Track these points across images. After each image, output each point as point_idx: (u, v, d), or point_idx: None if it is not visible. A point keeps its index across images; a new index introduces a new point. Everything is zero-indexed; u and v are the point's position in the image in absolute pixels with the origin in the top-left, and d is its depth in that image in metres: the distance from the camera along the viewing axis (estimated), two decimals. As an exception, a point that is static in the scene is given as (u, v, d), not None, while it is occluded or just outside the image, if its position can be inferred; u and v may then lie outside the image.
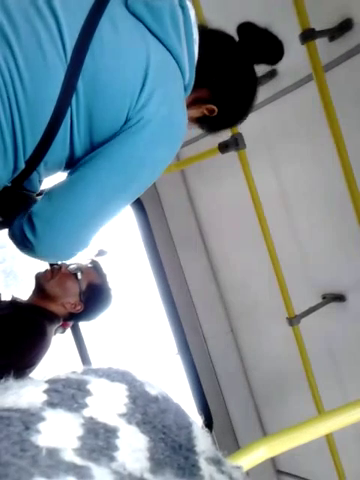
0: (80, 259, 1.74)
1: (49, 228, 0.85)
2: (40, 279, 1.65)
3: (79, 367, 0.30)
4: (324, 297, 2.00)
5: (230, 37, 1.03)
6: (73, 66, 0.80)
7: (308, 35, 1.42)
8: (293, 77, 1.75)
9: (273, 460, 2.65)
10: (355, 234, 1.52)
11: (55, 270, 1.67)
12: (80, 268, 1.68)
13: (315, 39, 1.44)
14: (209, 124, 1.13)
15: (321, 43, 1.48)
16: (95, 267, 1.73)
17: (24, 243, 0.86)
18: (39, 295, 1.63)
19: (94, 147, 0.86)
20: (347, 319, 1.96)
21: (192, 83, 0.96)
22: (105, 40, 0.82)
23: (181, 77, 0.93)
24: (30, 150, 0.83)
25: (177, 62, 0.91)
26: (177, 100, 0.92)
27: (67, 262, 1.71)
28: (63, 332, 1.74)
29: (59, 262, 1.68)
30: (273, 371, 2.51)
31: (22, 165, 0.84)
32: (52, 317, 1.60)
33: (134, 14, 0.87)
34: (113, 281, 1.75)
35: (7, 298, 1.66)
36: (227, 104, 1.06)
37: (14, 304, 1.61)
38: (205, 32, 0.98)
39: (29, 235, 0.84)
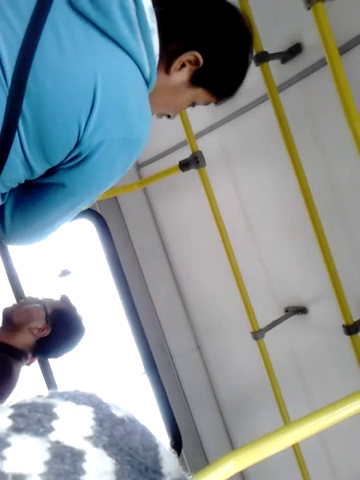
0: (50, 295, 1.74)
1: (14, 228, 0.95)
2: (7, 310, 1.65)
3: (45, 391, 0.30)
4: (287, 310, 2.04)
5: None
6: (15, 90, 0.75)
7: (262, 57, 1.49)
8: (249, 97, 1.80)
9: (243, 476, 2.64)
10: (315, 247, 1.56)
11: (21, 301, 1.71)
12: (47, 299, 1.69)
13: (268, 61, 1.50)
14: (210, 81, 0.95)
15: (274, 65, 1.54)
16: (64, 300, 1.72)
17: None
18: (5, 327, 1.60)
19: (53, 166, 0.84)
20: (309, 330, 2.01)
21: (154, 75, 0.87)
22: (48, 60, 0.76)
23: (140, 75, 0.84)
24: None
25: (133, 59, 0.82)
26: (136, 112, 0.84)
27: (34, 296, 1.72)
28: (29, 365, 1.69)
29: (26, 295, 1.72)
30: (240, 386, 2.52)
31: None
32: (19, 355, 1.56)
33: (79, 12, 0.79)
34: (84, 314, 1.73)
35: None
36: (208, 43, 0.90)
37: None
38: None
39: None
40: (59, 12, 0.78)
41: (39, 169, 0.84)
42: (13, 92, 0.75)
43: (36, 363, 2.10)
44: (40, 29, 0.76)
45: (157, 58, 0.86)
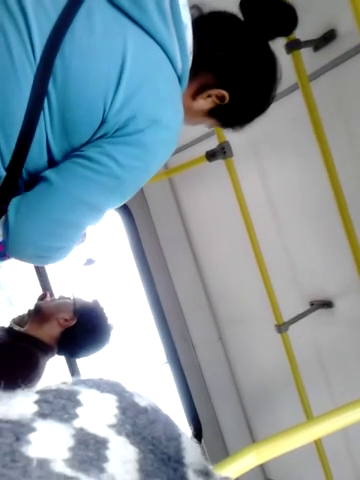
0: (81, 296, 1.80)
1: (19, 222, 0.83)
2: (39, 302, 1.72)
3: (69, 378, 0.30)
4: (312, 304, 2.01)
5: (232, 15, 0.93)
6: (42, 68, 0.76)
7: (293, 45, 1.45)
8: (279, 86, 1.77)
9: (263, 469, 2.64)
10: (342, 241, 1.53)
11: (53, 297, 1.78)
12: (78, 298, 1.75)
13: (300, 49, 1.46)
14: (225, 116, 1.00)
15: (306, 53, 1.50)
16: (94, 301, 1.78)
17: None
18: (35, 319, 1.65)
19: (74, 148, 0.82)
20: (335, 325, 1.98)
21: (187, 74, 0.87)
22: (77, 40, 0.77)
23: (171, 68, 0.84)
24: (7, 157, 0.80)
25: (165, 51, 0.82)
26: (167, 97, 0.83)
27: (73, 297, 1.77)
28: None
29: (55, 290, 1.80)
30: (262, 378, 2.51)
31: (2, 172, 0.82)
32: (46, 349, 1.61)
33: (114, 4, 0.81)
34: (113, 319, 1.77)
35: (5, 325, 1.68)
36: (238, 87, 0.94)
37: (10, 332, 1.62)
38: (203, 16, 0.93)
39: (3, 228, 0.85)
40: (94, 3, 0.80)
41: (58, 153, 0.82)
42: (40, 71, 0.76)
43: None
44: (73, 15, 0.78)
45: (190, 56, 0.87)
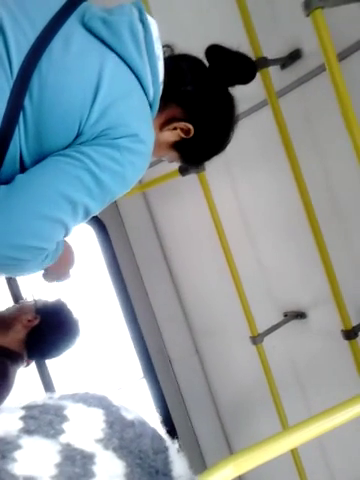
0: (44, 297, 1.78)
1: None
2: (1, 311, 1.69)
3: (42, 390, 0.30)
4: (286, 315, 2.04)
5: (199, 60, 1.01)
6: (19, 85, 0.79)
7: (261, 63, 1.49)
8: (249, 102, 1.81)
9: (241, 481, 2.63)
10: (313, 252, 1.57)
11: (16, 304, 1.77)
12: (40, 299, 1.73)
13: (268, 67, 1.51)
14: (187, 150, 1.06)
15: (274, 70, 1.55)
16: (56, 299, 1.76)
17: None
18: (0, 329, 1.62)
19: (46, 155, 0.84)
20: (309, 335, 2.01)
21: (157, 102, 0.92)
22: (54, 58, 0.81)
23: (143, 93, 0.89)
24: None
25: (138, 77, 0.87)
26: (142, 114, 0.88)
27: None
28: (26, 366, 1.70)
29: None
30: (239, 390, 2.52)
31: None
32: (15, 357, 1.58)
33: (91, 31, 0.85)
34: (77, 312, 1.75)
35: None
36: (203, 123, 1.01)
37: None
38: (174, 55, 1.00)
39: None
40: (72, 26, 0.85)
41: (30, 162, 0.83)
42: (17, 86, 0.79)
43: (34, 366, 2.10)
44: (52, 36, 0.81)
45: (161, 86, 0.92)
